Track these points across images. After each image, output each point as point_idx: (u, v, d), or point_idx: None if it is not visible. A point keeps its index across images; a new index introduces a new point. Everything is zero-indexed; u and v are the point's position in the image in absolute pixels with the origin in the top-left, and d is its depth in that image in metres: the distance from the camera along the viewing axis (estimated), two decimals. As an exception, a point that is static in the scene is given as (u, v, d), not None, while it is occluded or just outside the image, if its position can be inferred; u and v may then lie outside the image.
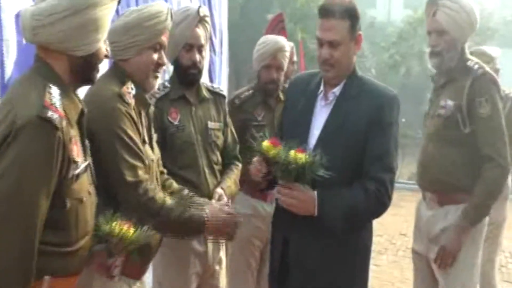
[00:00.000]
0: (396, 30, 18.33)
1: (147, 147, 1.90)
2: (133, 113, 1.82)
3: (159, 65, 1.93)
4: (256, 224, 2.94)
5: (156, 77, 1.97)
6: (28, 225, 1.28)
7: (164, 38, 1.94)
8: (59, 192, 1.37)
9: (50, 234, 1.37)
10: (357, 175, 1.92)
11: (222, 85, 4.10)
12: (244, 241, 2.95)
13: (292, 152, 1.77)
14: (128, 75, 1.88)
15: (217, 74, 4.29)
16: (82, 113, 1.50)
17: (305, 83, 2.07)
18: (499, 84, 2.52)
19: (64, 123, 1.38)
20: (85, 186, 1.46)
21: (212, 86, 2.53)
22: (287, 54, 3.04)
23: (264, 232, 2.88)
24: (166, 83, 2.41)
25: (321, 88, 2.01)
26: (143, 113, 1.91)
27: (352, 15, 1.90)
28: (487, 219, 2.56)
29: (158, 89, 2.34)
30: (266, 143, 1.82)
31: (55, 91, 1.38)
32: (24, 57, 2.17)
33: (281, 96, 3.03)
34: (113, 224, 1.53)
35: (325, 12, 1.89)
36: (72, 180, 1.40)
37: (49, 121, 1.32)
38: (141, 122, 1.87)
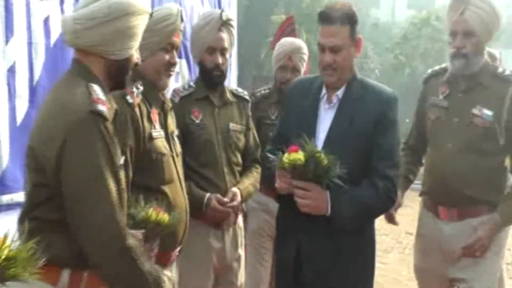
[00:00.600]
0: (400, 31, 18.38)
1: (162, 140, 1.97)
2: (135, 111, 1.91)
3: (171, 64, 2.03)
4: (265, 218, 3.02)
5: (169, 76, 2.06)
6: (107, 196, 1.40)
7: (176, 39, 2.03)
8: None
9: None
10: (364, 174, 1.96)
11: (231, 86, 4.20)
12: (253, 233, 3.05)
13: (319, 152, 1.81)
14: (140, 75, 1.98)
15: (227, 75, 4.39)
16: (116, 112, 1.60)
17: (306, 87, 2.10)
18: None
19: (111, 115, 1.51)
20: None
21: (237, 90, 2.61)
22: (304, 56, 3.06)
23: (273, 226, 2.97)
24: (192, 83, 2.49)
25: (324, 91, 2.03)
26: (154, 109, 1.99)
27: (352, 20, 1.95)
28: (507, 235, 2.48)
29: (183, 88, 2.43)
30: (287, 155, 1.81)
31: (97, 88, 1.50)
32: (52, 60, 2.28)
33: None
34: (150, 210, 1.62)
35: (326, 18, 1.93)
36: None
37: (100, 114, 1.44)
38: (149, 118, 1.95)
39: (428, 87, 2.52)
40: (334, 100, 2.00)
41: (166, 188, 1.94)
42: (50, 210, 1.43)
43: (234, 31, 2.46)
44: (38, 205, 1.44)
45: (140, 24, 1.57)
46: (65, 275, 1.45)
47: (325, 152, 1.84)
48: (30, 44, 2.14)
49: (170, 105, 2.10)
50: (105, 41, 1.53)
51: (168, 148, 1.98)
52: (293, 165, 1.79)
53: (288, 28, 5.22)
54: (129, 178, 1.73)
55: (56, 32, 2.33)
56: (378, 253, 5.90)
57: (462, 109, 2.34)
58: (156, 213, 1.61)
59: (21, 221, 1.47)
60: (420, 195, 2.57)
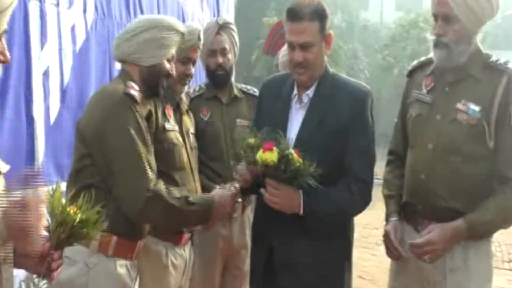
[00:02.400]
0: (388, 32, 18.68)
1: (175, 133, 2.21)
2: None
3: (186, 75, 2.29)
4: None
5: (184, 85, 2.31)
6: (137, 156, 1.77)
7: (193, 54, 2.28)
8: None
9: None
10: (336, 173, 1.89)
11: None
12: None
13: (291, 153, 1.76)
14: None
15: (232, 73, 4.66)
16: (150, 112, 1.90)
17: (278, 86, 2.04)
18: None
19: (145, 112, 1.85)
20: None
21: (246, 88, 2.83)
22: None
23: None
24: (203, 85, 2.75)
25: (295, 91, 1.98)
26: (169, 107, 2.22)
27: (321, 16, 1.86)
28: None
29: (195, 90, 2.70)
30: (261, 153, 1.76)
31: (133, 83, 1.85)
32: (77, 64, 2.53)
33: None
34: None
35: (294, 15, 1.85)
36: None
37: (132, 96, 1.79)
38: (163, 113, 2.18)
39: (412, 80, 2.15)
40: (305, 99, 1.94)
41: (176, 175, 2.16)
42: (91, 176, 1.77)
43: (235, 34, 2.70)
44: (81, 171, 1.79)
45: (169, 37, 1.89)
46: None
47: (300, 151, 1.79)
48: (60, 50, 2.39)
49: (186, 107, 2.36)
50: (138, 49, 1.85)
51: (181, 140, 2.23)
52: (265, 164, 1.76)
53: (277, 33, 5.47)
54: None
55: (80, 38, 2.59)
56: (369, 245, 6.19)
57: (446, 104, 1.98)
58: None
59: (68, 186, 1.83)
60: (402, 206, 2.13)
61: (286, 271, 1.92)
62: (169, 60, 1.93)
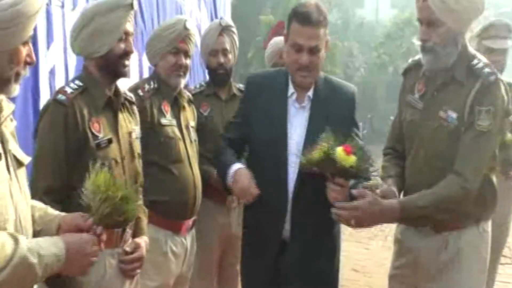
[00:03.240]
0: (384, 30, 18.78)
1: (172, 127, 2.30)
2: (145, 103, 2.26)
3: (179, 66, 2.33)
4: None
5: (179, 76, 2.34)
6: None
7: (181, 44, 2.33)
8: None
9: None
10: None
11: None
12: None
13: (366, 155, 1.83)
14: (157, 75, 2.37)
15: (231, 73, 4.78)
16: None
17: (268, 83, 2.06)
18: (509, 95, 1.99)
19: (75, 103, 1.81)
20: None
21: (243, 86, 2.98)
22: None
23: None
24: (203, 83, 2.91)
25: (292, 90, 2.00)
26: (166, 103, 2.32)
27: (327, 22, 1.96)
28: (490, 228, 2.13)
29: (195, 87, 2.85)
30: (341, 153, 1.78)
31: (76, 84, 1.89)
32: (81, 63, 2.63)
33: None
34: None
35: (307, 19, 1.88)
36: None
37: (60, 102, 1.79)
38: (159, 109, 2.29)
39: (406, 80, 2.19)
40: (306, 100, 1.98)
41: (173, 167, 2.25)
42: None
43: (236, 37, 2.82)
44: None
45: (112, 19, 1.86)
46: None
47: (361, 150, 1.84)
48: (65, 49, 2.50)
49: (186, 101, 2.46)
50: (86, 45, 1.88)
51: (178, 134, 2.32)
52: (346, 168, 1.78)
53: (277, 33, 5.58)
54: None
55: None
56: (363, 240, 6.33)
57: (432, 110, 2.02)
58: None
59: None
60: None
61: (295, 260, 1.97)
62: (121, 40, 1.90)
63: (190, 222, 2.37)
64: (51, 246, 1.28)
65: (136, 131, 2.03)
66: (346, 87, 2.10)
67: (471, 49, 2.03)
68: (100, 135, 1.83)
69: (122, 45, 1.88)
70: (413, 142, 2.08)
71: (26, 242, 1.23)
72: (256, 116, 2.02)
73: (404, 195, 2.10)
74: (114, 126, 1.91)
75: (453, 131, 1.95)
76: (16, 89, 1.34)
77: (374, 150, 2.17)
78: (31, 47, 1.35)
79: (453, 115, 1.96)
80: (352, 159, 1.78)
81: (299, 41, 1.91)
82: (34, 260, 1.22)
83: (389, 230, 6.46)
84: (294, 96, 1.99)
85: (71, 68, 2.55)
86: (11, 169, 1.31)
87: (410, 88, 2.12)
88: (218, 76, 2.74)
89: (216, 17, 4.72)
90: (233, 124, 2.20)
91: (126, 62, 1.92)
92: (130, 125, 2.00)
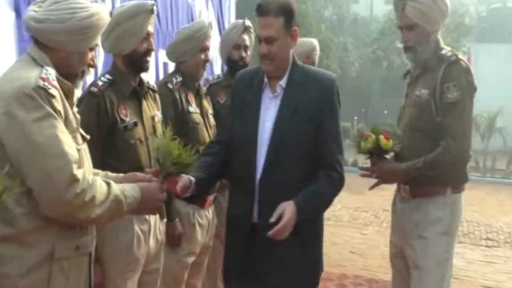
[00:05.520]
0: (378, 26, 19.04)
1: (197, 115, 2.63)
2: (175, 94, 2.57)
3: (205, 61, 2.66)
4: None
5: (204, 69, 2.68)
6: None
7: (208, 43, 2.68)
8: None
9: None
10: (312, 157, 1.99)
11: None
12: None
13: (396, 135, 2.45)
14: (181, 70, 2.68)
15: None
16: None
17: (249, 78, 2.13)
18: (472, 73, 2.40)
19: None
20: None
21: None
22: (318, 52, 3.59)
23: None
24: (220, 74, 3.23)
25: (265, 80, 2.06)
26: (191, 93, 2.65)
27: (286, 12, 1.96)
28: (461, 216, 2.51)
29: (213, 78, 3.15)
30: (383, 140, 2.36)
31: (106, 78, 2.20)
32: (108, 59, 2.93)
33: None
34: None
35: (261, 10, 1.97)
36: None
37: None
38: (186, 99, 2.61)
39: (406, 79, 2.64)
40: (278, 89, 2.03)
41: (200, 148, 2.46)
42: None
43: (254, 37, 3.11)
44: None
45: (135, 23, 2.17)
46: None
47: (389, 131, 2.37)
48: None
49: (204, 92, 2.78)
50: (114, 45, 2.22)
51: (202, 120, 2.66)
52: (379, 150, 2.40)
53: None
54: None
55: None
56: (359, 226, 6.71)
57: (411, 94, 2.50)
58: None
59: None
60: None
61: (265, 245, 1.95)
62: (143, 40, 2.20)
63: (211, 197, 2.68)
64: (131, 190, 1.60)
65: (158, 115, 2.34)
66: (322, 76, 2.08)
67: (442, 44, 2.48)
68: (127, 119, 2.15)
69: (145, 45, 2.20)
70: (400, 121, 2.59)
71: (115, 185, 1.56)
72: (237, 108, 2.12)
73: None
74: (139, 111, 2.23)
75: (425, 105, 2.39)
76: (80, 84, 1.67)
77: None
78: (95, 53, 1.65)
79: (425, 92, 2.40)
80: (390, 143, 2.36)
81: (258, 32, 2.00)
82: (122, 198, 1.55)
83: (384, 217, 6.81)
84: (267, 86, 2.06)
85: (99, 64, 2.85)
86: (82, 140, 1.63)
87: (406, 85, 2.61)
88: (238, 68, 2.92)
89: (222, 16, 5.02)
90: (221, 125, 2.36)
91: (148, 59, 2.24)
92: (153, 110, 2.32)
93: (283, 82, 2.02)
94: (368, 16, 21.95)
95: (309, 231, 2.03)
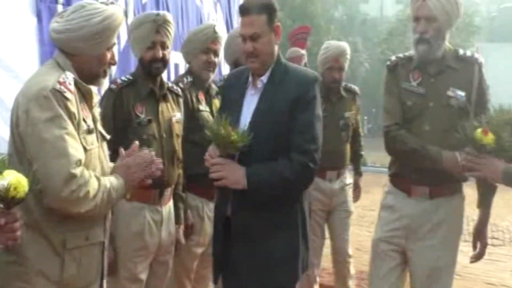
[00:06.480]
0: (387, 26, 19.06)
1: (207, 113, 2.74)
2: (186, 92, 2.69)
3: (209, 63, 2.74)
4: (316, 196, 3.35)
5: (209, 71, 2.74)
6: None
7: (212, 45, 2.73)
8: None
9: None
10: (286, 151, 1.99)
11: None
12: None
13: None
14: (191, 71, 2.81)
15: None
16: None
17: (237, 76, 2.18)
18: None
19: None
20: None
21: None
22: (348, 56, 3.49)
23: (324, 203, 3.42)
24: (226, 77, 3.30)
25: (250, 78, 2.10)
26: (201, 93, 2.77)
27: (268, 9, 2.00)
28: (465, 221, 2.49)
29: (220, 80, 3.22)
30: (482, 136, 2.03)
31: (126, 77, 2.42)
32: (122, 60, 3.10)
33: (342, 93, 3.48)
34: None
35: (243, 10, 2.01)
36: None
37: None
38: (197, 98, 2.73)
39: (397, 74, 2.48)
40: (259, 85, 2.06)
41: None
42: None
43: None
44: None
45: (140, 33, 2.39)
46: None
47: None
48: (118, 50, 2.94)
49: (213, 93, 2.87)
50: (132, 49, 2.48)
51: (211, 119, 2.72)
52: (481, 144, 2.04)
53: (300, 35, 5.87)
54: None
55: (123, 39, 3.15)
56: (365, 224, 6.78)
57: (437, 93, 2.37)
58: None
59: None
60: (391, 175, 2.53)
61: (240, 240, 2.00)
62: (149, 48, 2.36)
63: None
64: (114, 179, 1.73)
65: (177, 116, 2.49)
66: (303, 73, 2.10)
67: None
68: (142, 116, 2.35)
69: (151, 53, 2.37)
70: (414, 121, 2.39)
71: (102, 178, 1.69)
72: (224, 106, 2.18)
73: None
74: (155, 110, 2.39)
75: (463, 106, 2.34)
76: (104, 82, 1.82)
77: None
78: (114, 52, 1.79)
79: (462, 93, 2.34)
80: (489, 138, 2.13)
81: (241, 31, 2.04)
82: (109, 187, 1.68)
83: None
84: (251, 83, 2.10)
85: (113, 66, 3.00)
86: (99, 140, 1.77)
87: (403, 78, 2.44)
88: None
89: (231, 19, 5.15)
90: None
91: (156, 65, 2.38)
92: (172, 112, 2.47)
93: (264, 78, 2.06)
94: (377, 16, 21.94)
95: (284, 222, 2.01)
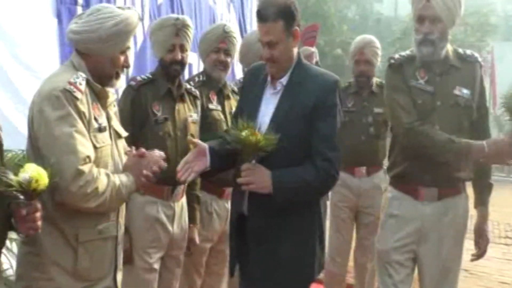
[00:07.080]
0: (401, 26, 18.96)
1: (218, 112, 2.77)
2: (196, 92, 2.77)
3: (219, 61, 2.80)
4: (343, 192, 3.39)
5: (220, 70, 2.78)
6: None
7: (222, 44, 2.77)
8: None
9: None
10: (306, 155, 1.99)
11: (236, 77, 4.97)
12: (333, 206, 3.51)
13: None
14: (205, 70, 2.89)
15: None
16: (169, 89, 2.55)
17: (257, 73, 2.17)
18: None
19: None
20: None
21: None
22: (376, 49, 3.41)
23: (351, 199, 3.40)
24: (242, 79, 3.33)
25: (269, 78, 2.11)
26: (213, 92, 2.82)
27: (285, 15, 1.97)
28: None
29: (236, 83, 3.26)
30: None
31: (146, 76, 2.58)
32: (138, 61, 3.19)
33: (373, 89, 3.40)
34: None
35: (260, 16, 1.99)
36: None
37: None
38: (207, 97, 2.79)
39: (403, 72, 2.44)
40: (279, 86, 2.06)
41: None
42: None
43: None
44: None
45: (159, 36, 2.52)
46: None
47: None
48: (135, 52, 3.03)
49: (229, 92, 2.91)
50: (153, 51, 2.64)
51: (222, 117, 2.81)
52: None
53: (309, 34, 5.91)
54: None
55: (139, 40, 3.24)
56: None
57: (444, 92, 2.36)
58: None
59: None
60: (394, 177, 2.51)
61: (255, 241, 2.02)
62: (169, 51, 2.48)
63: (230, 189, 2.79)
64: (123, 176, 1.79)
65: (193, 117, 2.59)
66: (324, 77, 2.07)
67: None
68: (159, 114, 2.45)
69: (170, 55, 2.48)
70: (423, 119, 2.35)
71: (112, 175, 1.75)
72: (243, 102, 2.22)
73: (414, 160, 2.39)
74: (172, 109, 2.50)
75: (469, 105, 2.37)
76: (117, 83, 1.88)
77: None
78: (128, 55, 1.86)
79: (467, 91, 2.37)
80: None
81: (259, 36, 2.05)
82: (119, 184, 1.74)
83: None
84: (270, 83, 2.11)
85: (130, 65, 3.09)
86: (113, 138, 1.84)
87: (411, 77, 2.41)
88: None
89: (244, 19, 5.21)
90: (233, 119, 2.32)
91: (176, 67, 2.49)
92: (188, 112, 2.57)
93: (284, 80, 2.06)
94: (391, 15, 21.83)
95: (302, 226, 2.02)
